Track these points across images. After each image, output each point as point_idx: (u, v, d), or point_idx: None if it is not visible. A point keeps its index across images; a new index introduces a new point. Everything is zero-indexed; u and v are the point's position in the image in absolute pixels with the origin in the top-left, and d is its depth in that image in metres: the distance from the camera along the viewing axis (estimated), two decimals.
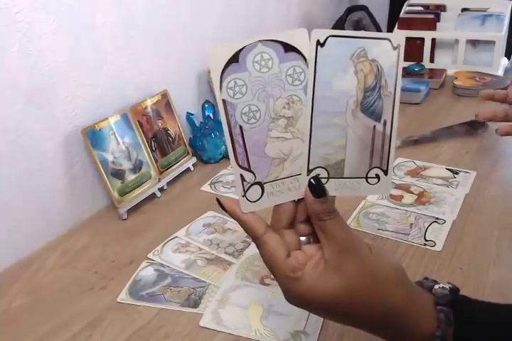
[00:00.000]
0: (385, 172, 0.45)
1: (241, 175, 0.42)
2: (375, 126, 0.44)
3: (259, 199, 0.43)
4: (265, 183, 0.43)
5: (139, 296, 0.64)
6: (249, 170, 0.42)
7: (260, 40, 0.39)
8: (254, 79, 0.40)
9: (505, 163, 0.95)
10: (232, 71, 0.40)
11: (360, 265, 0.40)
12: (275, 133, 0.42)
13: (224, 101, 0.40)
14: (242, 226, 0.43)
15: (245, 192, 0.43)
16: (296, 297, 0.42)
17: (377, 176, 0.45)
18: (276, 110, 0.41)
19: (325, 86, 0.41)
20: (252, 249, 0.72)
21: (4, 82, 0.66)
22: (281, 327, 0.58)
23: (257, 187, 0.43)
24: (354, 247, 0.41)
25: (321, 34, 0.40)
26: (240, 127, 0.41)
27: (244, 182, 0.42)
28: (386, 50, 0.42)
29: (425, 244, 0.72)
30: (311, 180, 0.42)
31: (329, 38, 0.40)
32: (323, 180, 0.43)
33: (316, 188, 0.41)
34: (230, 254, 0.71)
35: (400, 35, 0.43)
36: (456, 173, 0.91)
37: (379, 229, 0.76)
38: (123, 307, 0.63)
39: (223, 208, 0.43)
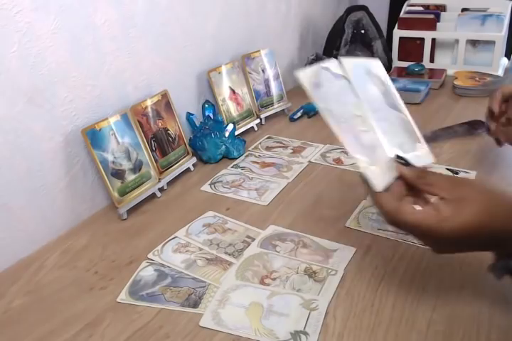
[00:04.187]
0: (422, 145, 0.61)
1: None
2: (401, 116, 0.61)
3: (378, 180, 0.53)
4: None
5: (139, 296, 0.64)
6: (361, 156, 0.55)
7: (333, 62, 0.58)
8: (332, 91, 0.57)
9: (505, 163, 0.95)
10: (316, 86, 0.56)
11: (476, 185, 0.50)
12: (360, 127, 0.56)
13: (321, 108, 0.56)
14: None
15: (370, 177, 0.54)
16: (452, 238, 0.48)
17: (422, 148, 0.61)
18: (353, 112, 0.56)
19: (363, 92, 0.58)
20: (252, 248, 0.72)
21: (4, 82, 0.66)
22: (281, 327, 0.58)
23: (374, 168, 0.54)
24: (459, 178, 0.55)
25: (347, 62, 0.59)
26: (341, 126, 0.55)
27: (363, 167, 0.54)
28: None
29: None
30: (397, 159, 0.55)
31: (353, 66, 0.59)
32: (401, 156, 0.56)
33: (404, 161, 0.54)
34: (230, 254, 0.71)
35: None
36: (456, 173, 0.91)
37: (379, 229, 0.76)
38: (123, 307, 0.63)
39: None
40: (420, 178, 0.52)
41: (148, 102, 0.89)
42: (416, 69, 1.39)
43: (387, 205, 0.51)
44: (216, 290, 0.64)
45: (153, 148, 0.89)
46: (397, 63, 1.53)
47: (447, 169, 0.93)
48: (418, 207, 0.51)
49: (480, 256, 0.68)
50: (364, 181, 0.54)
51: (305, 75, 0.55)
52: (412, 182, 0.52)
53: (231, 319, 0.59)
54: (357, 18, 1.48)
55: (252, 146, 1.07)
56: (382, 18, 1.69)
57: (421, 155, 0.59)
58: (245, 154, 1.03)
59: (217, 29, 1.09)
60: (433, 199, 0.51)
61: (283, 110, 1.23)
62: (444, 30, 1.48)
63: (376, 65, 0.61)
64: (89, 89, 0.80)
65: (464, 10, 1.51)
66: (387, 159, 0.55)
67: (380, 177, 0.53)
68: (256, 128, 1.15)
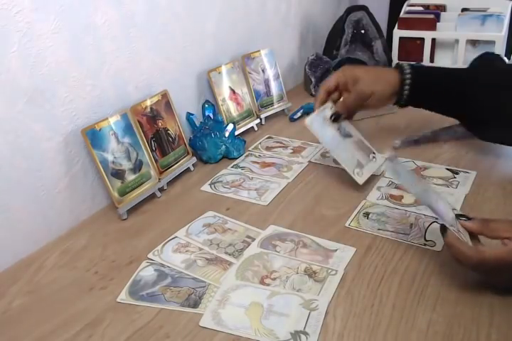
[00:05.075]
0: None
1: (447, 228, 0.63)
2: None
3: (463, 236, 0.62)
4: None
5: (139, 296, 0.64)
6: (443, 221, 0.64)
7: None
8: (403, 174, 0.72)
9: (505, 163, 0.95)
10: (398, 176, 0.73)
11: None
12: (432, 198, 0.67)
13: (412, 193, 0.74)
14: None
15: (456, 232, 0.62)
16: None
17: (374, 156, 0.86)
18: (420, 188, 0.70)
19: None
20: (252, 248, 0.72)
21: (4, 82, 0.66)
22: (281, 327, 0.58)
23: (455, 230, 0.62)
24: None
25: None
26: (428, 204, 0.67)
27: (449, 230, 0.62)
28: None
29: (425, 244, 0.72)
30: (458, 217, 0.64)
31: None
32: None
33: (465, 217, 0.64)
34: (230, 254, 0.71)
35: None
36: (456, 173, 0.91)
37: (379, 229, 0.76)
38: (123, 307, 0.63)
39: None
40: (484, 227, 0.62)
41: (148, 102, 0.89)
42: None
43: (468, 251, 0.59)
44: (216, 290, 0.64)
45: (153, 148, 0.89)
46: None
47: (447, 169, 0.93)
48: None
49: None
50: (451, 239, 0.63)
51: (391, 170, 0.71)
52: (478, 233, 0.62)
53: (231, 319, 0.59)
54: (357, 18, 1.47)
55: (252, 146, 1.07)
56: (382, 18, 1.69)
57: (376, 162, 0.78)
58: (245, 154, 1.03)
59: (217, 29, 1.09)
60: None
61: (283, 110, 1.23)
62: (444, 30, 1.47)
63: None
64: (89, 89, 0.80)
65: (464, 10, 1.51)
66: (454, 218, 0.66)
67: (463, 235, 0.62)
68: (256, 128, 1.15)
